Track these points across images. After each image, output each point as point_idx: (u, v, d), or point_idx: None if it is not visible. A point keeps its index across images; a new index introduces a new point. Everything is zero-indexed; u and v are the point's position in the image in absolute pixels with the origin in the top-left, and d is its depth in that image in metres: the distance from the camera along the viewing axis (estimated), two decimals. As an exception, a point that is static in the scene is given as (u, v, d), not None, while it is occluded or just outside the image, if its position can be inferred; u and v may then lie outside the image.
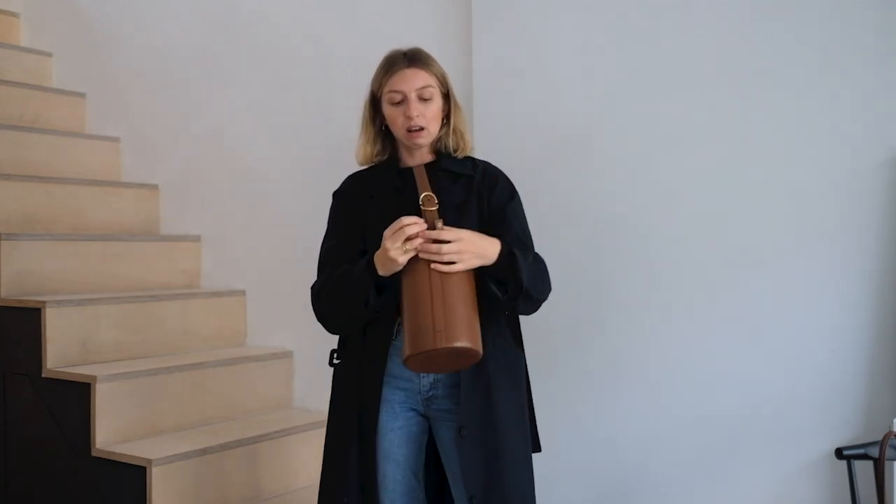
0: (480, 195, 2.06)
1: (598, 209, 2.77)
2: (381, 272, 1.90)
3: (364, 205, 2.06)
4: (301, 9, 3.45)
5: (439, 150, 2.09)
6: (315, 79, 3.40)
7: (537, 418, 2.19)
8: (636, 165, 2.71)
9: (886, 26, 2.37)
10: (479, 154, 2.24)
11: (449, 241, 1.85)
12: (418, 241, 1.84)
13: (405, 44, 2.13)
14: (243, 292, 3.58)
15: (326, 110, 3.37)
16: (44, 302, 2.92)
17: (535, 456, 2.15)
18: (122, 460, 2.72)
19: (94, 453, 2.78)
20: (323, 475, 2.12)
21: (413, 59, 2.03)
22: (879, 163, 2.39)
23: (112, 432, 2.82)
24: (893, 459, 2.17)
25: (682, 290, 2.64)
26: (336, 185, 2.20)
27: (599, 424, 2.77)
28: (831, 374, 2.44)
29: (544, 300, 2.04)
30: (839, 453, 2.14)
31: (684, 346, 2.64)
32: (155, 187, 3.85)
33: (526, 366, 2.15)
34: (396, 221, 1.85)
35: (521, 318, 2.16)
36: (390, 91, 2.01)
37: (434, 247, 1.84)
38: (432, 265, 1.84)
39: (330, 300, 2.01)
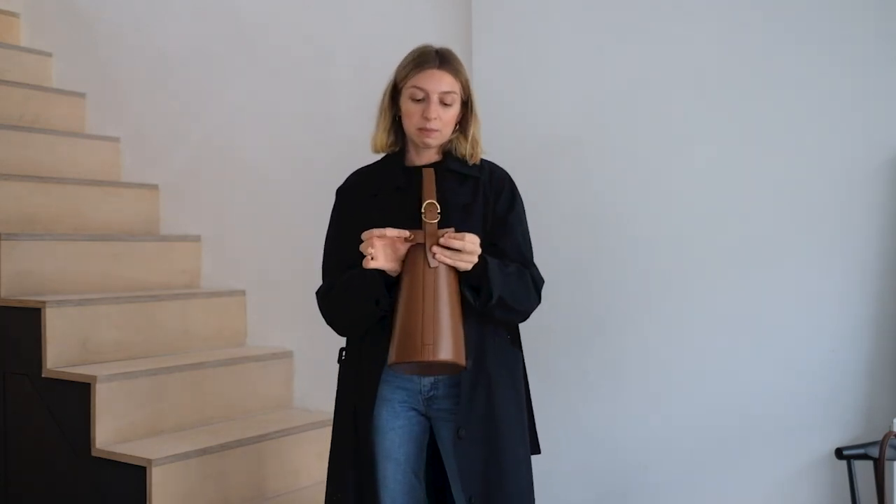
0: (486, 198, 2.06)
1: (598, 209, 2.77)
2: (388, 269, 1.92)
3: (366, 203, 2.06)
4: (301, 9, 3.45)
5: (448, 151, 2.09)
6: (315, 79, 3.40)
7: (537, 419, 2.19)
8: (636, 165, 2.71)
9: (886, 26, 2.38)
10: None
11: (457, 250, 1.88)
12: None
13: (405, 44, 2.12)
14: (243, 292, 3.58)
15: (326, 110, 3.37)
16: (44, 302, 2.92)
17: (534, 457, 2.15)
18: (122, 460, 2.72)
19: (94, 453, 2.78)
20: (328, 474, 2.12)
21: (444, 60, 2.01)
22: (879, 163, 2.39)
23: (112, 432, 2.82)
24: (893, 459, 2.17)
25: (681, 290, 2.64)
26: (336, 184, 2.20)
27: (599, 425, 2.77)
28: (831, 374, 2.45)
29: (526, 311, 2.04)
30: (839, 453, 2.14)
31: (684, 346, 2.64)
32: (155, 187, 3.85)
33: (524, 366, 2.15)
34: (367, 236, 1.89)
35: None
36: (414, 87, 2.00)
37: (451, 249, 1.86)
38: (436, 254, 1.85)
39: (339, 303, 2.03)
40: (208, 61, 3.69)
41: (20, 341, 2.98)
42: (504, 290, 1.93)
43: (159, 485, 2.67)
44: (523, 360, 2.15)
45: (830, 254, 2.45)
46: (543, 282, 2.08)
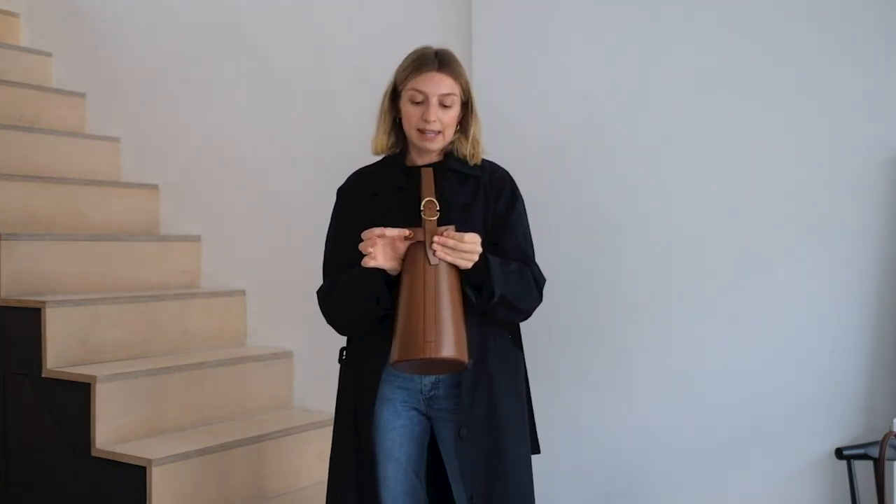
0: (487, 198, 2.06)
1: (598, 209, 2.77)
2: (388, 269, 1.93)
3: (367, 203, 2.06)
4: (301, 9, 3.45)
5: (449, 151, 2.08)
6: (315, 79, 3.40)
7: (537, 419, 2.19)
8: (636, 166, 2.71)
9: (887, 26, 2.38)
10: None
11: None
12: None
13: (405, 44, 2.12)
14: (243, 292, 3.58)
15: (326, 110, 3.37)
16: (44, 302, 2.92)
17: (534, 457, 2.15)
18: (122, 460, 2.72)
19: (94, 453, 2.78)
20: (329, 474, 2.13)
21: (443, 63, 2.01)
22: (880, 163, 2.39)
23: (112, 432, 2.82)
24: (893, 459, 2.17)
25: (681, 290, 2.65)
26: (336, 184, 2.20)
27: (599, 425, 2.77)
28: (831, 374, 2.45)
29: (528, 310, 2.04)
30: (839, 453, 2.14)
31: (684, 346, 2.64)
32: (155, 187, 3.85)
33: (525, 366, 2.15)
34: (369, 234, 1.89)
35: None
36: (413, 89, 2.00)
37: (451, 241, 1.86)
38: (437, 251, 1.85)
39: (340, 302, 2.03)
40: (208, 61, 3.69)
41: (20, 341, 2.98)
42: (506, 289, 1.93)
43: (159, 485, 2.66)
44: (524, 360, 2.15)
45: (830, 254, 2.45)
46: (545, 280, 2.08)
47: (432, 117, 1.98)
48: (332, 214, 2.17)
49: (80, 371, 2.86)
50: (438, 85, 1.99)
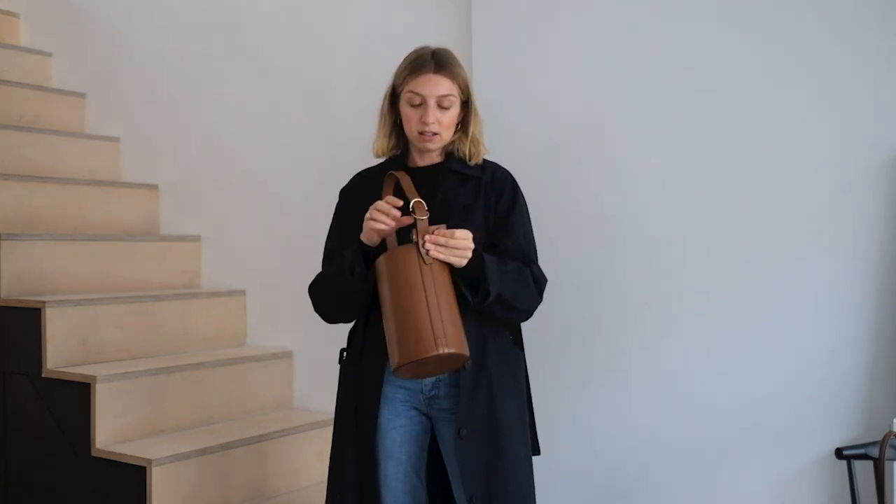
0: (488, 198, 2.05)
1: (598, 209, 2.77)
2: (365, 240, 1.94)
3: (368, 204, 2.05)
4: (301, 9, 3.45)
5: (450, 152, 2.08)
6: (315, 79, 3.40)
7: (537, 419, 2.19)
8: (636, 166, 2.71)
9: (886, 26, 2.38)
10: (478, 154, 2.23)
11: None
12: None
13: (405, 44, 2.12)
14: (243, 292, 3.58)
15: (326, 110, 3.37)
16: (44, 302, 2.92)
17: (535, 457, 2.14)
18: (122, 460, 2.72)
19: (94, 453, 2.78)
20: (329, 474, 2.13)
21: (440, 64, 2.00)
22: (879, 163, 2.39)
23: (112, 432, 2.82)
24: (893, 459, 2.17)
25: (681, 290, 2.65)
26: (336, 184, 2.20)
27: (599, 425, 2.77)
28: (831, 374, 2.45)
29: (528, 309, 2.03)
30: (839, 453, 2.14)
31: (684, 346, 2.64)
32: (155, 187, 3.85)
33: (526, 367, 2.15)
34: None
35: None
36: (411, 92, 1.99)
37: (442, 238, 1.86)
38: (430, 251, 1.85)
39: (323, 284, 2.06)
40: (208, 61, 3.69)
41: (20, 341, 2.98)
42: (503, 288, 1.93)
43: (159, 485, 2.66)
44: (525, 360, 2.14)
45: (830, 254, 2.45)
46: (546, 281, 2.07)
47: (430, 119, 1.98)
48: (334, 214, 2.17)
49: (80, 371, 2.86)
50: (436, 87, 1.98)
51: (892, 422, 2.33)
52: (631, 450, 2.72)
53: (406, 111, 2.02)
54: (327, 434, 3.15)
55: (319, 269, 2.14)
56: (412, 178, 2.02)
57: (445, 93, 1.99)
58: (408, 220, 1.89)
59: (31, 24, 4.34)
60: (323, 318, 2.11)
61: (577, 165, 2.80)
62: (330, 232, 2.16)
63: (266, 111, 3.53)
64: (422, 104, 1.99)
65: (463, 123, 2.07)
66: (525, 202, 2.11)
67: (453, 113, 2.02)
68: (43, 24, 4.29)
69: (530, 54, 2.88)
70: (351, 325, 2.15)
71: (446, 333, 1.81)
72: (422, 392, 2.05)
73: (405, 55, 2.07)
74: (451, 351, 1.81)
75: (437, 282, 1.86)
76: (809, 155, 2.47)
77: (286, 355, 3.43)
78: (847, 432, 2.42)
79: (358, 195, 2.11)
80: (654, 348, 2.69)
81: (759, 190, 2.54)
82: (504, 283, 1.93)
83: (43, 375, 2.91)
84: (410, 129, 2.02)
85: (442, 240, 1.86)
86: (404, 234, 1.92)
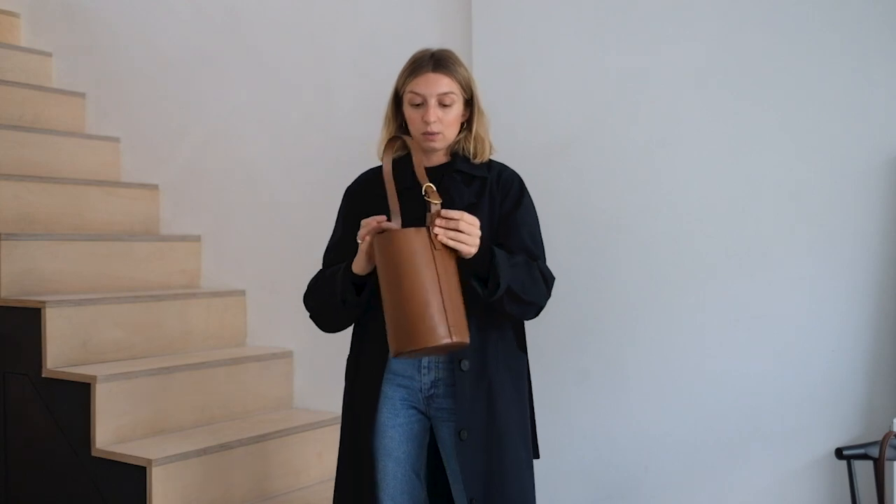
0: (493, 198, 2.05)
1: (598, 209, 2.77)
2: (356, 269, 1.94)
3: (374, 203, 2.05)
4: (301, 8, 3.45)
5: (456, 152, 2.08)
6: (315, 79, 3.40)
7: (537, 420, 2.19)
8: (636, 166, 2.71)
9: (887, 26, 2.38)
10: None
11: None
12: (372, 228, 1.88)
13: (405, 44, 2.12)
14: (243, 292, 3.58)
15: (326, 110, 3.37)
16: (44, 302, 2.92)
17: (534, 460, 2.14)
18: (122, 460, 2.72)
19: (94, 453, 2.78)
20: (336, 473, 2.14)
21: (438, 63, 2.01)
22: (879, 163, 2.39)
23: (112, 432, 2.82)
24: (893, 459, 2.17)
25: (681, 290, 2.65)
26: (336, 184, 2.20)
27: (599, 425, 2.77)
28: (831, 374, 2.45)
29: (537, 304, 2.02)
30: (839, 453, 2.14)
31: (684, 346, 2.64)
32: (155, 187, 3.85)
33: (529, 370, 2.15)
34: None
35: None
36: (411, 93, 2.00)
37: (451, 217, 1.84)
38: (439, 234, 1.83)
39: (316, 298, 2.08)
40: (208, 61, 3.69)
41: (20, 341, 2.98)
42: (513, 281, 1.92)
43: (159, 485, 2.67)
44: (528, 363, 2.14)
45: (830, 254, 2.45)
46: (554, 278, 2.06)
47: (432, 118, 1.99)
48: (339, 212, 2.17)
49: (80, 371, 2.86)
50: (435, 85, 1.99)
51: (892, 422, 2.33)
52: (631, 450, 2.72)
53: (409, 112, 2.03)
54: (327, 434, 3.17)
55: (320, 269, 2.14)
56: (417, 180, 2.02)
57: (445, 90, 1.99)
58: (389, 225, 1.88)
59: (31, 24, 4.33)
60: (318, 327, 2.12)
61: (576, 165, 2.80)
62: (334, 230, 2.16)
63: (266, 111, 3.53)
64: (423, 104, 1.99)
65: (468, 121, 2.07)
66: (531, 202, 2.10)
67: (455, 111, 2.02)
68: (43, 24, 4.29)
69: (530, 54, 2.88)
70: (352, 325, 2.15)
71: (457, 322, 1.81)
72: (421, 391, 2.05)
73: (405, 55, 2.07)
74: (458, 340, 1.80)
75: (447, 268, 1.85)
76: (809, 155, 2.47)
77: (286, 355, 3.43)
78: (847, 432, 2.42)
79: (364, 193, 2.11)
80: (654, 348, 2.69)
81: (758, 190, 2.53)
82: (514, 276, 1.92)
83: (43, 375, 2.91)
84: (414, 129, 2.03)
85: (454, 219, 1.83)
86: (416, 221, 1.91)
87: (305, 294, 2.12)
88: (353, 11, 3.32)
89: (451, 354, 1.99)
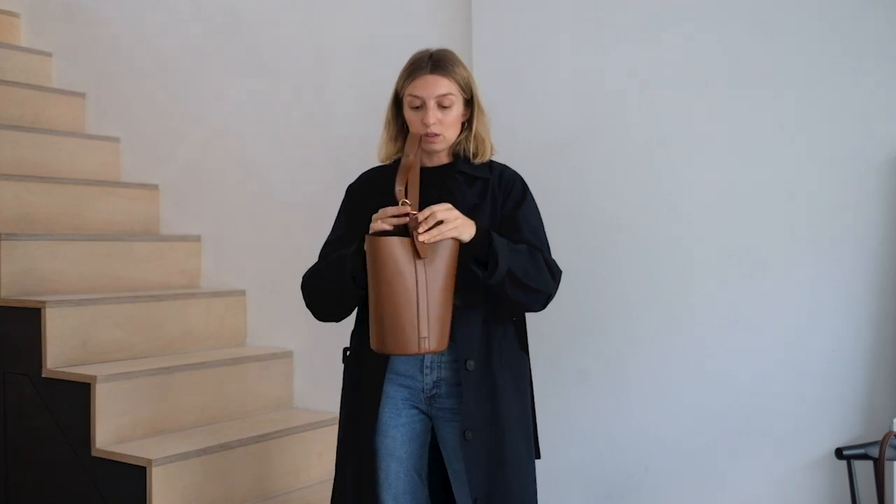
0: (495, 199, 2.05)
1: (597, 209, 2.77)
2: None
3: (376, 202, 2.04)
4: (301, 8, 3.45)
5: (457, 153, 2.08)
6: (315, 79, 3.40)
7: (538, 421, 2.19)
8: (636, 166, 2.71)
9: (887, 26, 2.38)
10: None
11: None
12: (397, 220, 1.86)
13: (405, 44, 2.12)
14: (243, 292, 3.58)
15: (326, 110, 3.37)
16: (44, 302, 2.92)
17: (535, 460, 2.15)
18: (122, 460, 2.72)
19: (94, 453, 2.78)
20: (335, 472, 2.14)
21: (436, 65, 1.99)
22: (879, 163, 2.39)
23: (112, 432, 2.82)
24: (893, 459, 2.17)
25: (681, 290, 2.65)
26: (336, 184, 2.20)
27: (599, 425, 2.77)
28: (831, 374, 2.45)
29: (543, 290, 2.00)
30: (839, 453, 2.14)
31: (684, 346, 2.64)
32: (155, 187, 3.85)
33: (530, 371, 2.15)
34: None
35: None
36: (410, 95, 1.99)
37: (426, 212, 1.84)
38: (425, 240, 1.83)
39: (319, 280, 2.04)
40: (208, 61, 3.69)
41: (20, 341, 2.98)
42: (513, 264, 1.91)
43: (159, 485, 2.67)
44: (530, 364, 2.14)
45: (830, 254, 2.45)
46: (561, 271, 2.05)
47: (431, 120, 1.98)
48: (339, 209, 2.17)
49: (80, 371, 2.87)
50: (434, 87, 1.98)
51: (892, 422, 2.33)
52: (631, 450, 2.73)
53: (409, 115, 2.02)
54: (327, 434, 3.17)
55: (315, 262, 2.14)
56: (420, 180, 2.02)
57: (444, 92, 1.98)
58: (381, 226, 1.88)
59: (31, 24, 4.33)
60: (314, 314, 2.10)
61: (576, 165, 2.80)
62: (334, 226, 2.15)
63: (266, 111, 3.53)
64: (422, 106, 1.99)
65: (468, 121, 2.07)
66: (534, 202, 2.10)
67: (455, 112, 2.02)
68: (43, 24, 4.29)
69: (530, 54, 2.88)
70: (352, 325, 2.15)
71: (431, 333, 1.84)
72: (423, 391, 2.05)
73: (405, 55, 2.07)
74: (430, 349, 1.86)
75: (432, 276, 1.85)
76: (810, 155, 2.47)
77: (286, 355, 3.43)
78: (847, 432, 2.42)
79: (365, 192, 2.11)
80: (654, 348, 2.69)
81: (758, 190, 2.53)
82: (514, 260, 1.92)
83: (43, 375, 2.91)
84: (415, 131, 2.02)
85: (428, 216, 1.83)
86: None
87: (305, 279, 2.09)
88: (352, 12, 3.32)
89: (456, 354, 1.99)
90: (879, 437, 2.17)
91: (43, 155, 3.70)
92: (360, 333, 2.11)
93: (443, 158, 2.08)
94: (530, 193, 2.10)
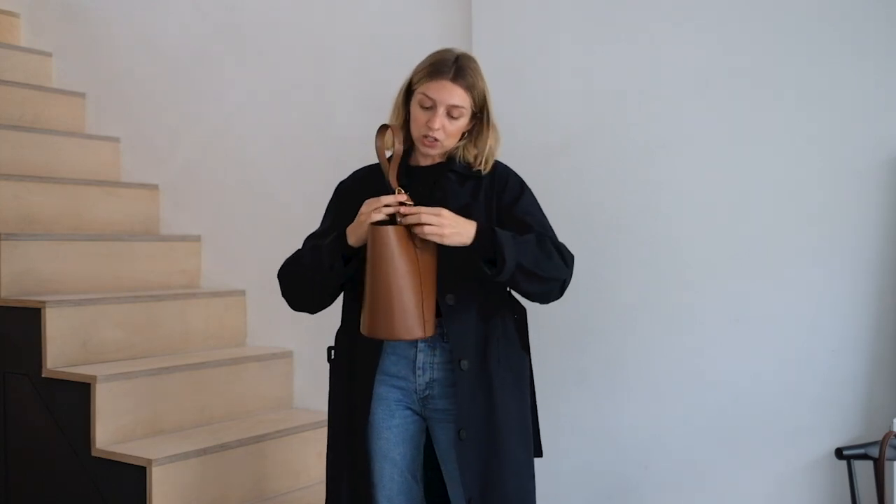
0: (489, 197, 2.03)
1: (598, 209, 2.77)
2: (351, 241, 1.92)
3: (366, 199, 2.04)
4: (301, 8, 3.45)
5: (453, 156, 2.05)
6: (315, 79, 3.40)
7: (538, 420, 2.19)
8: (636, 166, 2.71)
9: (886, 26, 2.38)
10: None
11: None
12: (392, 209, 1.87)
13: (405, 44, 2.12)
14: (243, 292, 3.58)
15: (326, 110, 3.37)
16: (44, 302, 2.92)
17: (535, 459, 2.14)
18: (122, 460, 2.72)
19: (94, 453, 2.78)
20: (326, 475, 2.12)
21: (458, 73, 1.96)
22: (879, 163, 2.39)
23: (112, 432, 2.82)
24: (893, 459, 2.17)
25: (682, 290, 2.64)
26: (335, 184, 2.19)
27: (599, 425, 2.77)
28: (831, 374, 2.45)
29: (557, 278, 1.98)
30: (839, 453, 2.14)
31: (684, 346, 2.64)
32: (155, 187, 3.85)
33: (531, 369, 2.14)
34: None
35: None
36: (423, 94, 1.96)
37: (414, 210, 1.85)
38: (416, 229, 1.84)
39: (296, 268, 2.06)
40: (208, 61, 3.69)
41: (20, 341, 2.98)
42: (521, 257, 1.89)
43: (159, 485, 2.67)
44: (531, 364, 2.13)
45: (830, 254, 2.45)
46: (573, 256, 2.03)
47: (437, 125, 1.95)
48: (327, 206, 2.16)
49: (80, 371, 2.86)
50: (450, 95, 1.95)
51: (892, 422, 2.33)
52: (631, 450, 2.72)
53: (415, 111, 1.99)
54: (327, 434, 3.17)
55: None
56: (412, 177, 2.02)
57: (457, 103, 1.96)
58: (378, 216, 1.89)
59: (31, 24, 4.33)
60: (289, 303, 2.10)
61: (576, 165, 2.80)
62: (322, 221, 2.14)
63: (266, 111, 3.53)
64: (432, 107, 1.96)
65: (470, 133, 2.04)
66: (532, 194, 2.08)
67: (461, 124, 1.99)
68: (43, 24, 4.29)
69: (531, 54, 2.88)
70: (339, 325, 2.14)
71: (428, 319, 1.87)
72: (416, 392, 2.05)
73: (405, 55, 2.06)
74: (429, 335, 1.89)
75: (427, 260, 1.88)
76: (810, 155, 2.47)
77: (286, 355, 3.43)
78: (847, 432, 2.42)
79: (355, 191, 2.09)
80: (654, 348, 2.69)
81: (758, 190, 2.53)
82: (522, 252, 1.89)
83: (43, 375, 2.91)
84: (416, 128, 2.00)
85: (409, 219, 1.84)
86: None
87: (282, 267, 2.09)
88: (353, 11, 3.32)
89: (450, 354, 1.98)
90: (879, 437, 2.17)
91: (43, 155, 3.70)
92: (347, 332, 2.09)
93: (436, 158, 2.07)
94: (527, 186, 2.09)
